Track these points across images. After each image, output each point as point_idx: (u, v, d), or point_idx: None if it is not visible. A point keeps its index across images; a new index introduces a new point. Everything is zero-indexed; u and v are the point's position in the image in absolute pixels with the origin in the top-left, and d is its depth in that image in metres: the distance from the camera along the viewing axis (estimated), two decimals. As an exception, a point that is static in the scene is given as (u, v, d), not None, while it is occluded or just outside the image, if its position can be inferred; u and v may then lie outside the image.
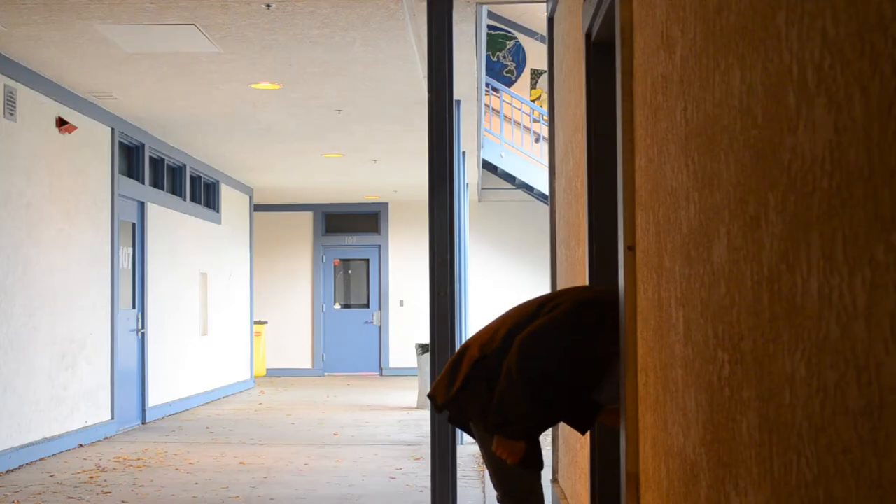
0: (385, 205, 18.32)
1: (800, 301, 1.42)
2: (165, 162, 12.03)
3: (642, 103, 2.86)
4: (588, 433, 4.08)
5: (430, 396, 3.73)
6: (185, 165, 12.64)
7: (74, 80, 8.70)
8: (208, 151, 12.60)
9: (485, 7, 8.42)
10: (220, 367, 14.31)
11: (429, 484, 5.89)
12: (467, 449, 8.77)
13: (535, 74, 17.72)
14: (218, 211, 14.33)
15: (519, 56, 17.78)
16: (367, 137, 11.56)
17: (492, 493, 6.74)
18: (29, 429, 8.26)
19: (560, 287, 6.03)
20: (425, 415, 10.73)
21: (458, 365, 3.64)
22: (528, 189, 15.65)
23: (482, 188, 17.08)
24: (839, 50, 1.26)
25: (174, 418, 11.59)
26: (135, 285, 11.02)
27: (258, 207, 17.60)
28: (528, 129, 16.44)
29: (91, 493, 6.86)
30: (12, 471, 7.78)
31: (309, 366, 18.17)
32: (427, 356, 11.61)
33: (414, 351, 16.71)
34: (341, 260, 18.60)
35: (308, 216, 18.44)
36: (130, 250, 10.93)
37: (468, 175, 13.74)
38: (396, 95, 9.33)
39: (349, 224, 18.58)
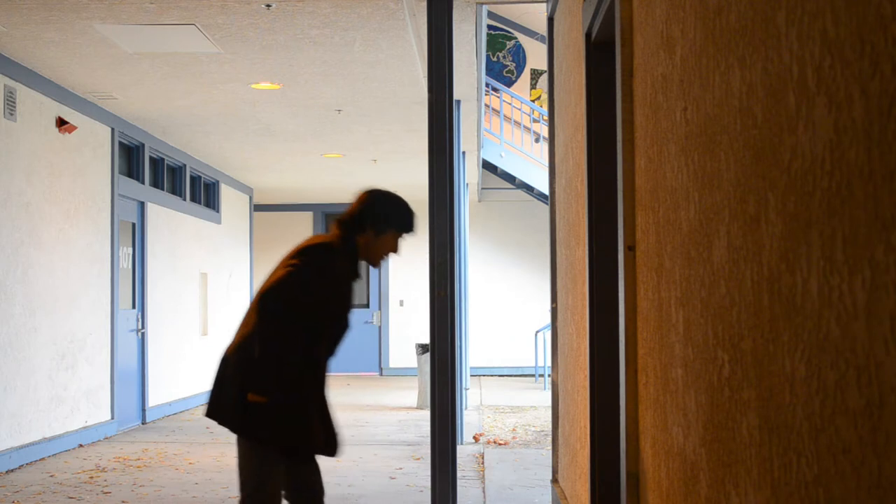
0: (385, 205, 18.29)
1: (800, 301, 1.42)
2: (165, 162, 12.03)
3: (642, 103, 2.86)
4: (589, 436, 4.08)
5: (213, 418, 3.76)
6: (185, 165, 12.64)
7: (74, 80, 8.70)
8: (208, 151, 12.61)
9: (485, 7, 8.42)
10: (220, 367, 14.30)
11: (429, 484, 5.88)
12: (467, 449, 8.77)
13: (535, 74, 17.72)
14: (218, 211, 14.33)
15: (519, 56, 17.78)
16: (367, 137, 11.56)
17: (492, 493, 6.74)
18: (29, 429, 8.26)
19: (559, 288, 6.04)
20: (425, 415, 10.73)
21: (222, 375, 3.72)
22: (528, 189, 15.65)
23: (482, 188, 17.08)
24: (839, 50, 1.26)
25: (174, 418, 11.59)
26: (135, 285, 11.02)
27: (258, 207, 17.61)
28: (528, 129, 16.44)
29: (91, 493, 6.86)
30: (12, 471, 7.78)
31: (309, 366, 18.15)
32: (427, 356, 11.61)
33: (414, 351, 16.71)
34: (341, 260, 18.59)
35: (308, 216, 18.44)
36: (130, 250, 10.93)
37: (468, 175, 13.74)
38: (396, 95, 9.33)
39: (349, 224, 18.55)
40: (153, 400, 11.40)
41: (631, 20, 3.05)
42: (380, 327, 18.29)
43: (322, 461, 3.88)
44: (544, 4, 7.31)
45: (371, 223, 3.79)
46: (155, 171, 11.80)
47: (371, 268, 3.94)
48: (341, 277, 3.74)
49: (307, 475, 3.84)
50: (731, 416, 1.83)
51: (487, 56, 16.76)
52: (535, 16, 16.69)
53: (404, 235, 3.87)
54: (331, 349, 3.77)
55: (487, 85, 15.29)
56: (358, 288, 17.96)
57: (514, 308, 17.77)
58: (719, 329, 1.92)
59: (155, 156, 11.69)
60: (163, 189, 11.91)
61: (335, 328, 3.75)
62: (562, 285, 5.90)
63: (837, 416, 1.27)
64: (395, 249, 3.86)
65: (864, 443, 1.18)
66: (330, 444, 3.77)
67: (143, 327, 11.10)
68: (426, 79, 6.25)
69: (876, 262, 1.13)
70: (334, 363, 19.76)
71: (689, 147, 2.20)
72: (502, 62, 17.73)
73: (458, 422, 8.78)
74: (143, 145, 11.08)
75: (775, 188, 1.54)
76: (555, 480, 6.35)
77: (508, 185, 16.14)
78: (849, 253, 1.22)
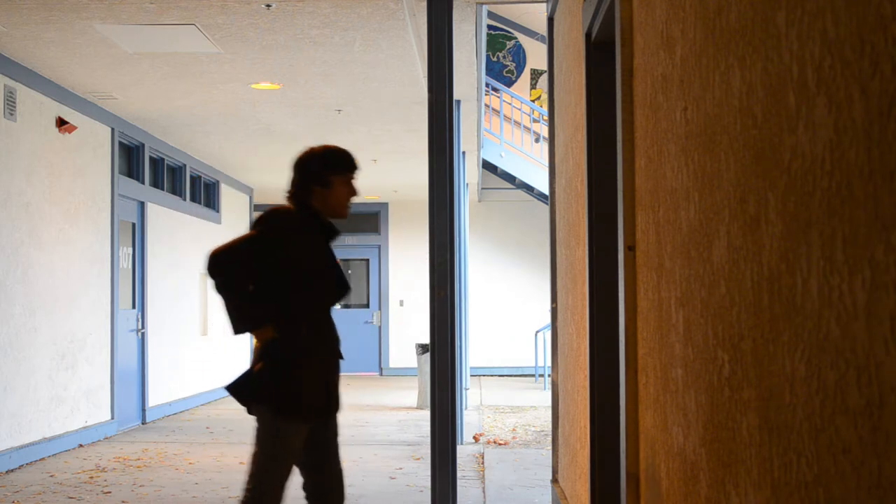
0: (385, 205, 18.32)
1: (800, 301, 1.42)
2: (165, 162, 12.03)
3: (642, 103, 2.86)
4: (592, 433, 4.08)
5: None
6: (185, 165, 12.64)
7: (74, 80, 8.70)
8: (208, 151, 12.61)
9: (485, 7, 8.42)
10: (220, 367, 14.32)
11: (429, 484, 5.88)
12: (467, 449, 8.77)
13: (535, 74, 17.72)
14: (218, 211, 14.33)
15: (519, 56, 17.78)
16: (367, 137, 11.56)
17: (492, 493, 6.74)
18: (29, 429, 8.26)
19: (559, 288, 6.03)
20: (425, 415, 10.73)
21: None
22: (528, 189, 15.65)
23: (482, 188, 17.08)
24: (839, 50, 1.26)
25: (174, 418, 11.59)
26: (135, 285, 11.02)
27: (258, 207, 17.59)
28: (528, 129, 16.44)
29: (91, 493, 6.86)
30: (12, 471, 7.77)
31: (309, 366, 18.13)
32: (427, 356, 11.61)
33: (414, 351, 16.71)
34: (341, 260, 18.59)
35: (308, 216, 18.43)
36: (130, 250, 10.93)
37: (468, 175, 13.73)
38: (396, 95, 9.33)
39: (349, 224, 18.58)
40: (153, 400, 11.40)
41: (631, 20, 3.05)
42: (380, 327, 18.29)
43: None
44: (544, 4, 7.31)
45: (312, 182, 3.89)
46: (155, 171, 11.80)
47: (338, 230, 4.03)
48: (309, 236, 3.84)
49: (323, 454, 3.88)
50: (731, 416, 1.83)
51: (487, 56, 16.76)
52: (535, 16, 16.69)
53: (352, 175, 3.94)
54: (326, 308, 3.88)
55: (487, 85, 15.29)
56: (358, 288, 17.94)
57: (514, 308, 17.77)
58: (719, 329, 1.92)
59: (155, 156, 11.69)
60: (163, 189, 11.91)
61: (325, 285, 3.85)
62: (562, 285, 5.90)
63: (837, 416, 1.27)
64: (351, 192, 3.94)
65: (864, 443, 1.18)
66: (331, 405, 3.85)
67: (143, 327, 11.10)
68: (426, 79, 6.25)
69: (876, 262, 1.13)
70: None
71: (689, 147, 2.20)
72: (502, 62, 17.72)
73: (458, 422, 8.78)
74: (143, 145, 11.07)
75: (775, 188, 1.54)
76: (555, 480, 6.35)
77: (508, 185, 16.14)
78: (849, 253, 1.22)
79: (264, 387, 3.71)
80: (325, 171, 3.91)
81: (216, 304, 14.18)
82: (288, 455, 3.76)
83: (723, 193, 1.89)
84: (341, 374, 3.95)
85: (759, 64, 1.63)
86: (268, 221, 3.81)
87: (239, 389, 3.76)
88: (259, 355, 3.76)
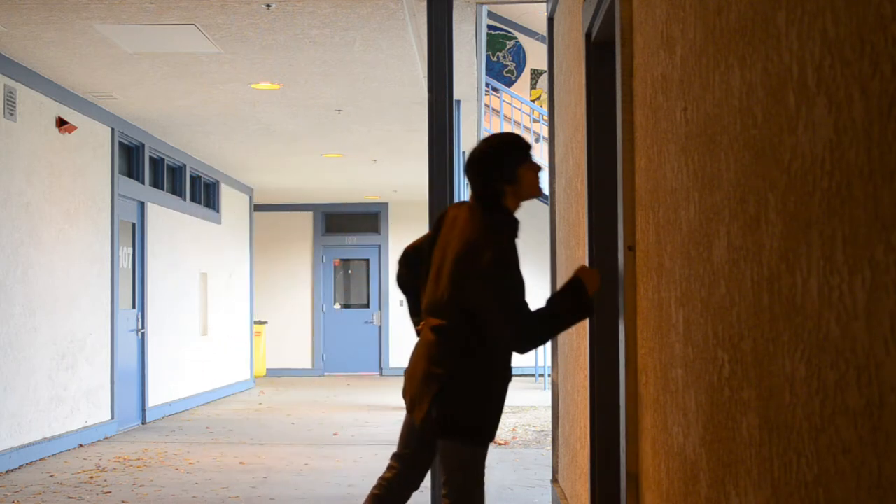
0: (385, 205, 18.32)
1: (800, 301, 1.42)
2: (165, 162, 12.03)
3: (642, 103, 2.86)
4: (589, 434, 4.09)
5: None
6: (185, 165, 12.64)
7: (74, 80, 8.70)
8: (208, 151, 12.61)
9: (485, 7, 8.42)
10: (220, 367, 14.31)
11: (429, 484, 5.88)
12: (467, 449, 8.76)
13: (535, 74, 17.72)
14: (218, 211, 14.33)
15: (519, 56, 17.78)
16: (367, 137, 11.56)
17: (492, 493, 6.74)
18: (29, 429, 8.26)
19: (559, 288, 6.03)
20: (425, 415, 10.72)
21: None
22: (528, 189, 15.62)
23: (482, 188, 17.05)
24: (839, 50, 1.26)
25: (174, 418, 11.59)
26: (135, 285, 11.02)
27: (258, 207, 17.60)
28: (528, 129, 16.44)
29: (91, 493, 6.86)
30: (12, 471, 7.77)
31: (309, 366, 18.17)
32: (427, 356, 11.59)
33: (414, 351, 16.70)
34: (341, 260, 18.60)
35: (308, 216, 18.43)
36: (130, 250, 10.93)
37: (468, 175, 13.70)
38: (396, 95, 9.33)
39: (349, 224, 18.58)
40: (153, 400, 11.40)
41: (631, 20, 3.05)
42: (380, 327, 18.29)
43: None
44: (544, 4, 7.31)
45: (501, 183, 3.63)
46: (155, 171, 11.80)
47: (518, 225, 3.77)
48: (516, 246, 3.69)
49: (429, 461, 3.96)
50: (731, 416, 1.83)
51: (487, 56, 16.76)
52: (535, 16, 16.69)
53: (531, 156, 3.70)
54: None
55: (487, 85, 15.29)
56: (358, 288, 17.86)
57: (514, 308, 17.74)
58: (719, 329, 1.92)
59: (155, 156, 11.69)
60: (163, 189, 11.91)
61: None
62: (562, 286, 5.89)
63: (837, 416, 1.27)
64: (536, 173, 3.69)
65: (864, 443, 1.18)
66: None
67: (143, 327, 11.10)
68: (426, 79, 6.25)
69: (876, 262, 1.13)
70: (333, 363, 19.64)
71: (689, 147, 2.20)
72: (502, 62, 17.72)
73: (458, 422, 8.76)
74: (143, 145, 11.08)
75: (775, 188, 1.54)
76: (555, 480, 6.35)
77: (508, 185, 16.11)
78: (849, 253, 1.22)
79: (472, 415, 3.73)
80: (509, 166, 3.63)
81: (217, 303, 14.18)
82: (483, 472, 3.80)
83: (723, 193, 1.89)
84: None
85: (759, 64, 1.63)
86: (501, 232, 3.59)
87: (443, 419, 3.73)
88: (457, 374, 3.74)
